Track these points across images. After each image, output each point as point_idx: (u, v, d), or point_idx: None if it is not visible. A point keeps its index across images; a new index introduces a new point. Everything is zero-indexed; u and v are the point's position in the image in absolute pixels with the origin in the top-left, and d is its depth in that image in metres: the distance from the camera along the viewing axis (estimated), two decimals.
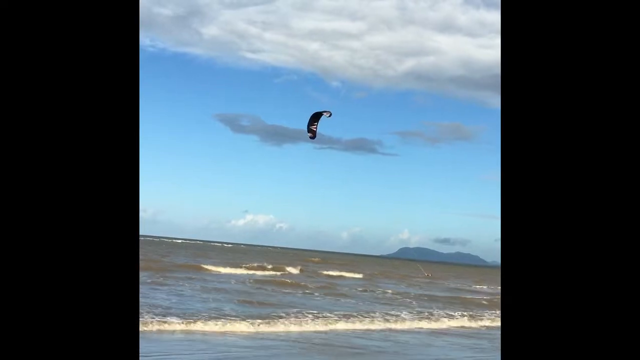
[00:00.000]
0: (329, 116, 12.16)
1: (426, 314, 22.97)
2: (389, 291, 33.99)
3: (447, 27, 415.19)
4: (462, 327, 21.40)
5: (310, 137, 12.33)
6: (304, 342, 14.86)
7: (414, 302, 27.85)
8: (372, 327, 18.76)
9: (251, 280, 32.76)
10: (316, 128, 12.32)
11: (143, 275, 28.28)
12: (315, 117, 12.27)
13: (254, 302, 21.85)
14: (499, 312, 24.79)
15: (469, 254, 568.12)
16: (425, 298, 31.36)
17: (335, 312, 20.34)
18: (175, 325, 15.18)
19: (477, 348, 16.62)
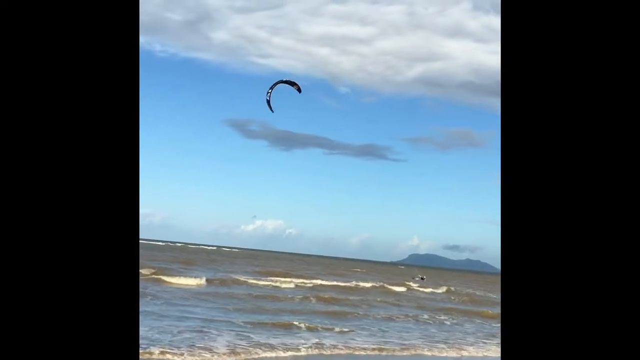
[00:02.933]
0: (298, 89, 10.82)
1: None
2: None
3: (456, 32, 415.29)
4: None
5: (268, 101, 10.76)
6: None
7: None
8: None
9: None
10: (270, 96, 10.73)
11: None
12: (280, 83, 10.78)
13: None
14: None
15: (478, 260, 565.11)
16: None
17: None
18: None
19: None
